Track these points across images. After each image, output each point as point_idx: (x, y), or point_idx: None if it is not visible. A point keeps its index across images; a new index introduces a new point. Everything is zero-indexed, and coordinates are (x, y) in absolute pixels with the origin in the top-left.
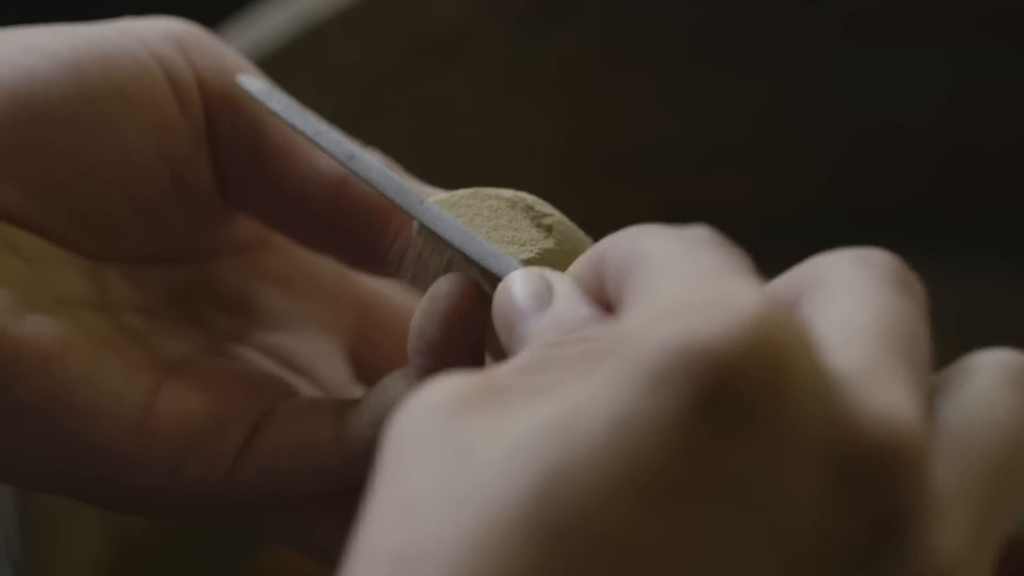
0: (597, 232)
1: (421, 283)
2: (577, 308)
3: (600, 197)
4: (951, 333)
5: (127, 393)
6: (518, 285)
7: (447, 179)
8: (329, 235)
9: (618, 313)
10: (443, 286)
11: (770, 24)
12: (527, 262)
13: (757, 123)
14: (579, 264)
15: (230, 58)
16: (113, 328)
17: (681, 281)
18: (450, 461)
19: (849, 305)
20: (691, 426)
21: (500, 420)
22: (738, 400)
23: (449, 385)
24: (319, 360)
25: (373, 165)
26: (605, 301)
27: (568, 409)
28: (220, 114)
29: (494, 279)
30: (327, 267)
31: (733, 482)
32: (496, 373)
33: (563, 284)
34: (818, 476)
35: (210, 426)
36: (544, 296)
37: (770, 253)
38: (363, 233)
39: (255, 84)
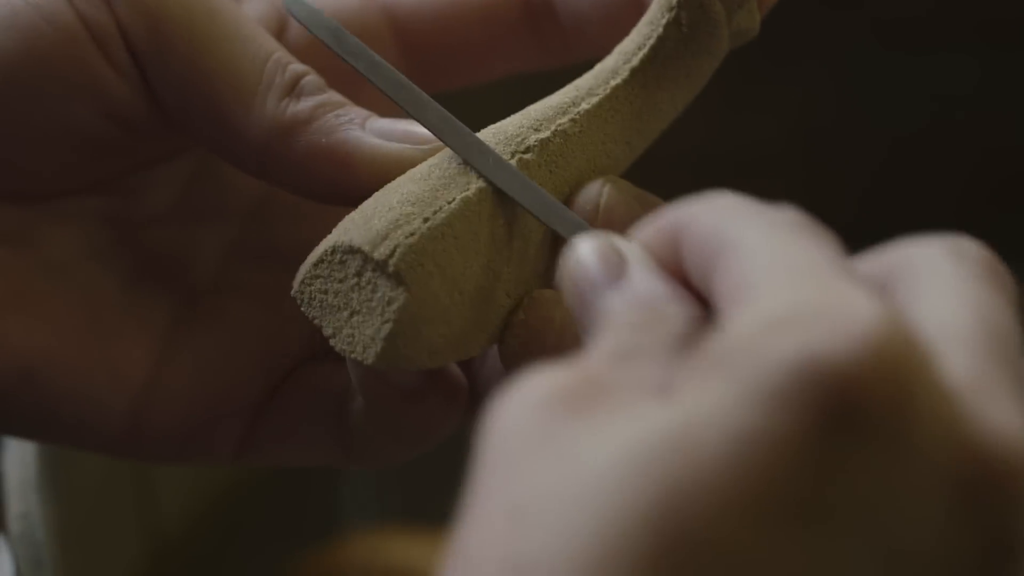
0: None
1: None
2: (655, 283)
3: None
4: None
5: (113, 400)
6: (587, 251)
7: None
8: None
9: (714, 304)
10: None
11: (801, 35)
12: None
13: (790, 132)
14: (650, 230)
15: None
16: (94, 304)
17: (788, 281)
18: (559, 464)
19: (948, 303)
20: (815, 444)
21: (605, 421)
22: (863, 417)
23: (548, 380)
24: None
25: (428, 103)
26: (680, 273)
27: (687, 421)
28: (150, 61)
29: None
30: None
31: (855, 501)
32: (590, 363)
33: (636, 254)
34: (939, 496)
35: (202, 423)
36: (616, 265)
37: None
38: (305, 186)
39: (301, 9)
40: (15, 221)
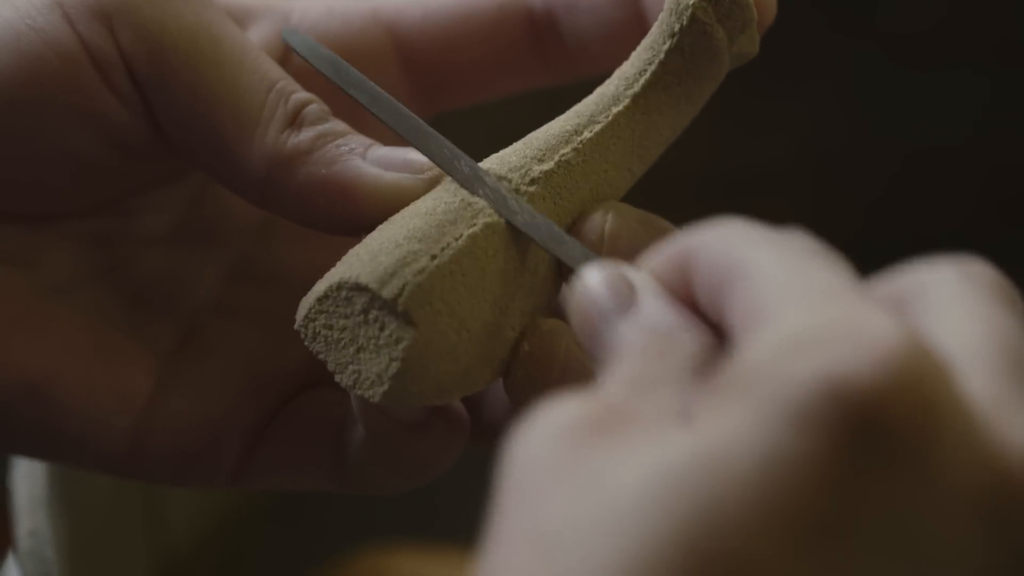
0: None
1: None
2: (666, 311)
3: None
4: None
5: (117, 418)
6: (596, 281)
7: None
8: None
9: (727, 332)
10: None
11: (808, 53)
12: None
13: (799, 149)
14: (658, 259)
15: (168, 21)
16: (98, 325)
17: (806, 303)
18: (583, 492)
19: (963, 324)
20: (842, 465)
21: (629, 448)
22: (889, 437)
23: (569, 409)
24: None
25: (430, 134)
26: (691, 301)
27: (712, 445)
28: (152, 87)
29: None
30: None
31: (883, 520)
32: (609, 392)
33: (646, 282)
34: (965, 515)
35: (202, 445)
36: (625, 294)
37: None
38: (306, 216)
39: (299, 41)
40: (19, 242)
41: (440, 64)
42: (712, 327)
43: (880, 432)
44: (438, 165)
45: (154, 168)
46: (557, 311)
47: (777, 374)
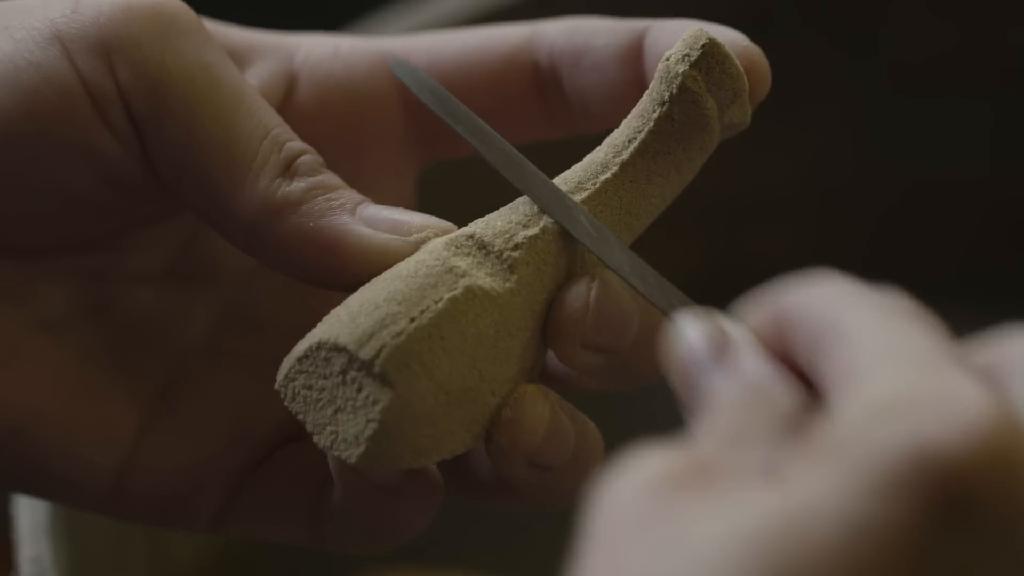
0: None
1: None
2: (763, 367)
3: (645, 246)
4: None
5: (101, 459)
6: (694, 331)
7: None
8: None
9: (822, 392)
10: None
11: (816, 78)
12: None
13: (804, 175)
14: (755, 313)
15: (168, 59)
16: (85, 364)
17: (897, 368)
18: (666, 547)
19: None
20: (927, 534)
21: (716, 505)
22: (974, 507)
23: (657, 461)
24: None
25: (531, 173)
26: (788, 358)
27: (798, 507)
28: (148, 126)
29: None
30: None
31: None
32: (699, 445)
33: (742, 335)
34: None
35: (185, 489)
36: (723, 346)
37: None
38: (290, 267)
39: (407, 72)
40: (9, 276)
41: None
42: (807, 384)
43: (965, 502)
44: (537, 203)
45: (147, 207)
46: (541, 375)
47: (865, 439)
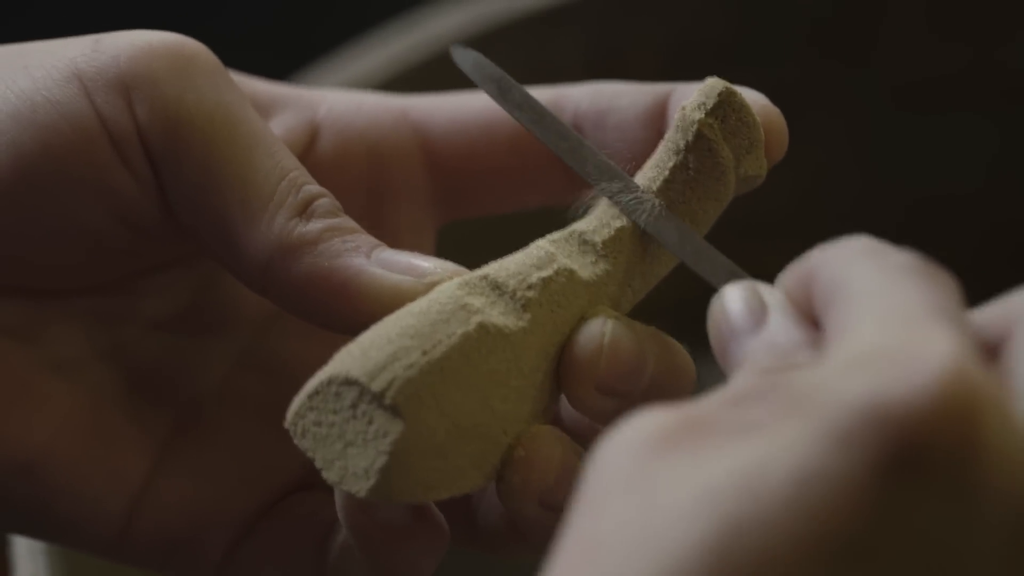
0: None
1: None
2: (790, 330)
3: None
4: None
5: (108, 501)
6: (734, 300)
7: (508, 231)
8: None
9: (823, 344)
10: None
11: (818, 95)
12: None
13: (805, 192)
14: (791, 274)
15: (187, 97)
16: (96, 405)
17: (881, 325)
18: (638, 502)
19: None
20: (877, 487)
21: (697, 461)
22: (927, 462)
23: (651, 419)
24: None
25: (590, 155)
26: (814, 318)
27: (759, 459)
28: (165, 165)
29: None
30: None
31: (918, 545)
32: (704, 404)
33: (776, 300)
34: (1008, 543)
35: (192, 535)
36: (758, 313)
37: None
38: (304, 308)
39: (467, 58)
40: (24, 316)
41: (464, 170)
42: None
43: (916, 455)
44: (594, 186)
45: (163, 249)
46: (555, 418)
47: (826, 392)
